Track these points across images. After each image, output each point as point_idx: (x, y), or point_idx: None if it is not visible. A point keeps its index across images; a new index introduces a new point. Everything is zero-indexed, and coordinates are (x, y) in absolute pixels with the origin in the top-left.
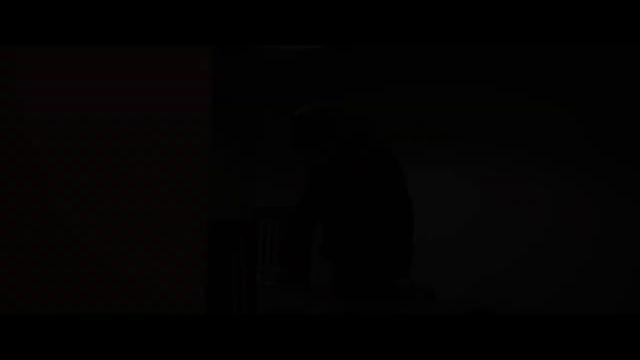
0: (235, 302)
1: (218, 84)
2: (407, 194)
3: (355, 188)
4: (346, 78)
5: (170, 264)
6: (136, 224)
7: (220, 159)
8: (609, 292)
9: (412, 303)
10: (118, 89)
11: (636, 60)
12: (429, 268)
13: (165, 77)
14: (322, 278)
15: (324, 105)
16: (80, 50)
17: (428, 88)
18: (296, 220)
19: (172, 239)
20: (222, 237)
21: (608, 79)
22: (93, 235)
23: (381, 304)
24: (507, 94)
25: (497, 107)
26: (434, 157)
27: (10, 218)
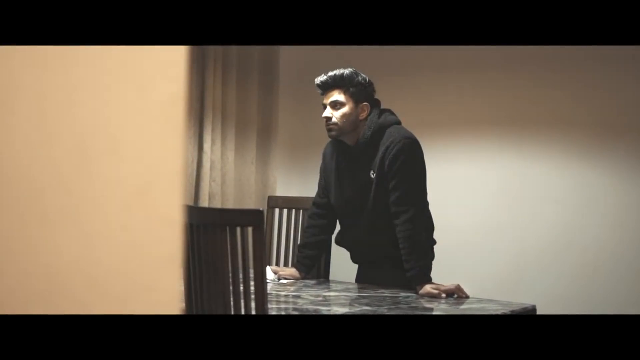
0: (243, 300)
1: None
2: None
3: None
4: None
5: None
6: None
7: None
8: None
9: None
10: (96, 87)
11: None
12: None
13: (143, 75)
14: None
15: None
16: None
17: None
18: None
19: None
20: (229, 226)
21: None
22: (71, 232)
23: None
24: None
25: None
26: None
27: None
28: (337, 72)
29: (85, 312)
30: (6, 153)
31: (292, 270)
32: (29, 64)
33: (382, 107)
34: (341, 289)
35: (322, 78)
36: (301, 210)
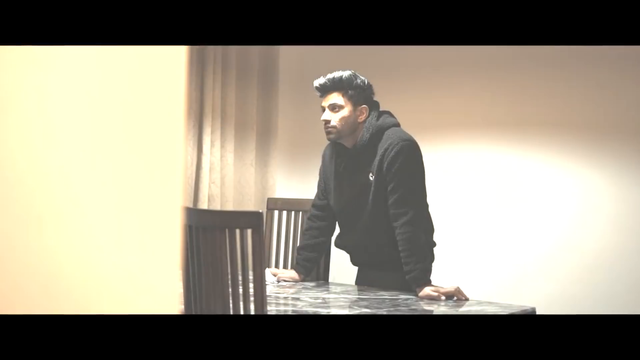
0: (242, 302)
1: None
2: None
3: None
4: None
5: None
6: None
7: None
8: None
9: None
10: (93, 87)
11: None
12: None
13: (141, 75)
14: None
15: None
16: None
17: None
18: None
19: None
20: (228, 229)
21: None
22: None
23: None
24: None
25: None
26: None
27: None
28: (335, 74)
29: (85, 313)
30: (4, 153)
31: (291, 273)
32: (27, 63)
33: (381, 108)
34: (340, 291)
35: (320, 81)
36: (300, 212)
